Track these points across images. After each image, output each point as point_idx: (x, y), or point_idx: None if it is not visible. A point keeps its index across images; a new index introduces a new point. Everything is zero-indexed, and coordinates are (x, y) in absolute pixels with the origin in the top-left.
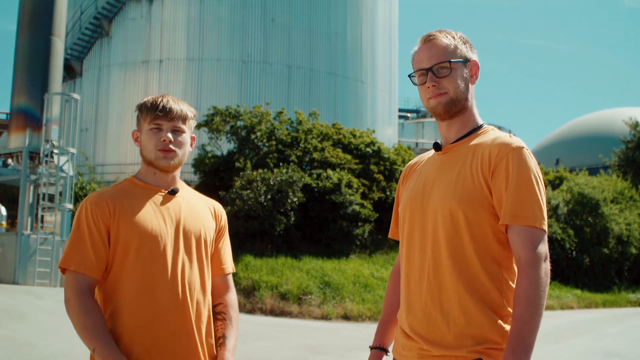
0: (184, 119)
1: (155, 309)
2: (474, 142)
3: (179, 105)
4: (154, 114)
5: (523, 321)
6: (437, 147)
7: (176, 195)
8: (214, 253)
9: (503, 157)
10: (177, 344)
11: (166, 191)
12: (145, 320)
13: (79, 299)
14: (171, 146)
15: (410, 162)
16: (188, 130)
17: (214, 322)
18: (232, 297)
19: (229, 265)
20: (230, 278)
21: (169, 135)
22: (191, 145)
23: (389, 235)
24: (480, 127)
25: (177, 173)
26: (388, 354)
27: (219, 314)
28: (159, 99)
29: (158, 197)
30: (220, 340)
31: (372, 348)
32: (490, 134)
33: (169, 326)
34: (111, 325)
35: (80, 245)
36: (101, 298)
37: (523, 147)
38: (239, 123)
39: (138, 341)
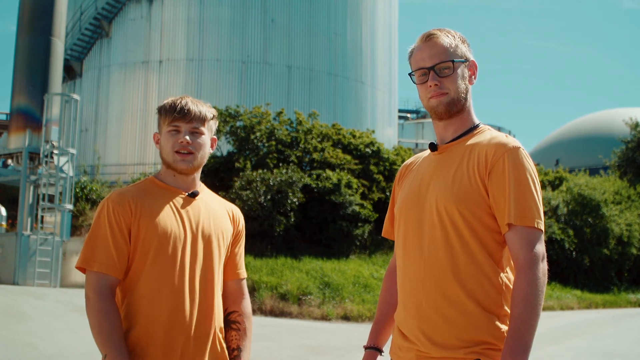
0: (202, 120)
1: (172, 311)
2: (470, 141)
3: (197, 107)
4: (172, 115)
5: (521, 321)
6: (432, 147)
7: (196, 198)
8: (230, 257)
9: (500, 158)
10: (193, 347)
11: (186, 193)
12: (162, 321)
13: (100, 302)
14: (189, 148)
15: (406, 162)
16: (208, 132)
17: (227, 331)
18: (247, 305)
19: (244, 270)
20: (244, 283)
21: (187, 137)
22: (212, 146)
23: (383, 234)
24: (476, 126)
25: (198, 175)
26: (382, 354)
27: (233, 323)
28: (178, 101)
29: (179, 200)
30: (234, 353)
31: (366, 348)
32: (487, 134)
33: (185, 328)
34: (126, 325)
35: (102, 245)
36: (118, 296)
37: (519, 147)
38: (239, 123)
39: (153, 342)
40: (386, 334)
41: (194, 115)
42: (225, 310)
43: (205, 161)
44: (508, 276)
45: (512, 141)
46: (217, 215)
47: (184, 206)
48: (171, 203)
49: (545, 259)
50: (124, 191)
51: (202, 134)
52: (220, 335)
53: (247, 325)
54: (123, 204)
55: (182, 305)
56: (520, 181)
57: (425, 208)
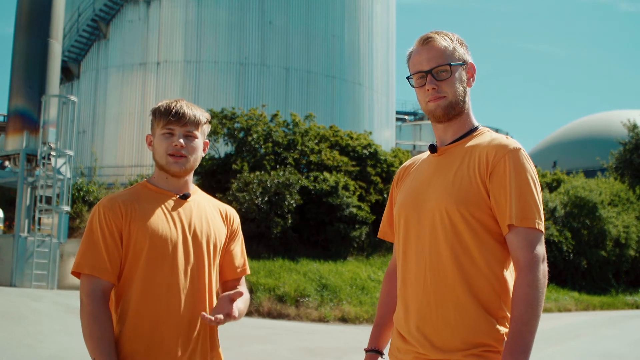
0: (196, 124)
1: (164, 313)
2: (470, 143)
3: (192, 111)
4: (167, 118)
5: (522, 322)
6: (432, 148)
7: (188, 200)
8: (226, 256)
9: (501, 159)
10: (187, 347)
11: (178, 196)
12: (153, 323)
13: (92, 305)
14: (182, 152)
15: (404, 164)
16: (201, 136)
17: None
18: (246, 292)
19: (242, 268)
20: (243, 281)
21: (181, 140)
22: (204, 150)
23: (379, 236)
24: (475, 128)
25: (190, 178)
26: (383, 356)
27: (230, 289)
28: (172, 104)
29: (170, 202)
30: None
31: (367, 351)
32: (487, 136)
33: (179, 329)
34: (119, 327)
35: (94, 249)
36: (112, 300)
37: (520, 149)
38: (236, 125)
39: (144, 343)
40: (387, 336)
41: (188, 118)
42: None
43: (197, 164)
44: (508, 278)
45: (512, 142)
46: (209, 216)
47: (175, 208)
48: (163, 206)
49: (546, 260)
50: (114, 196)
51: (195, 137)
52: (216, 335)
53: (246, 293)
54: (114, 208)
55: (175, 307)
56: (521, 183)
57: (425, 209)
